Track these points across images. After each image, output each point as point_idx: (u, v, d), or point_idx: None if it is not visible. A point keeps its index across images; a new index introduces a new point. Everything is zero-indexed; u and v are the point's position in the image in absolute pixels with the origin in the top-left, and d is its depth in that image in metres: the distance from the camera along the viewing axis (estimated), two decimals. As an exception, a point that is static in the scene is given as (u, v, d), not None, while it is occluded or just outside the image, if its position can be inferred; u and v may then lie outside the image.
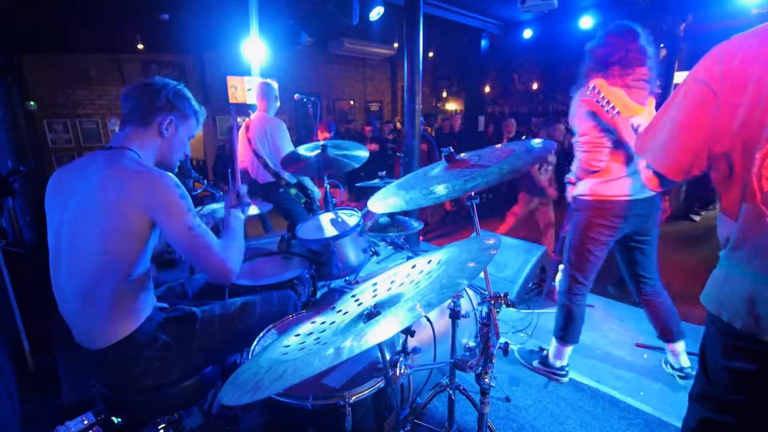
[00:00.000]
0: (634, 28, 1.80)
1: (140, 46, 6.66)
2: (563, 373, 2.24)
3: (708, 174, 0.96)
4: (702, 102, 0.88)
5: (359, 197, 6.55)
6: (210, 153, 8.22)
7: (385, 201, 1.33)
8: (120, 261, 1.21)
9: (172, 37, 6.50)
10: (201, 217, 1.37)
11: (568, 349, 2.22)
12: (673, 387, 2.18)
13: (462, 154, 1.41)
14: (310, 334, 1.00)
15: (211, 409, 1.74)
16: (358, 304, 1.05)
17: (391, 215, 2.22)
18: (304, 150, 2.42)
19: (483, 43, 8.60)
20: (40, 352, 2.53)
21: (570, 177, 2.07)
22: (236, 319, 1.48)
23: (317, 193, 3.48)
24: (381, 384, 1.20)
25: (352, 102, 10.74)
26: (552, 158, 4.25)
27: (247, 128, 3.33)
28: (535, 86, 10.65)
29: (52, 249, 1.27)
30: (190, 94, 1.43)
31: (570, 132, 2.58)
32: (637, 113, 1.47)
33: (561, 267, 2.33)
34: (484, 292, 1.20)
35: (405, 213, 2.05)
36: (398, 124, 8.37)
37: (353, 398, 1.14)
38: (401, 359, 1.05)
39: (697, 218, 5.84)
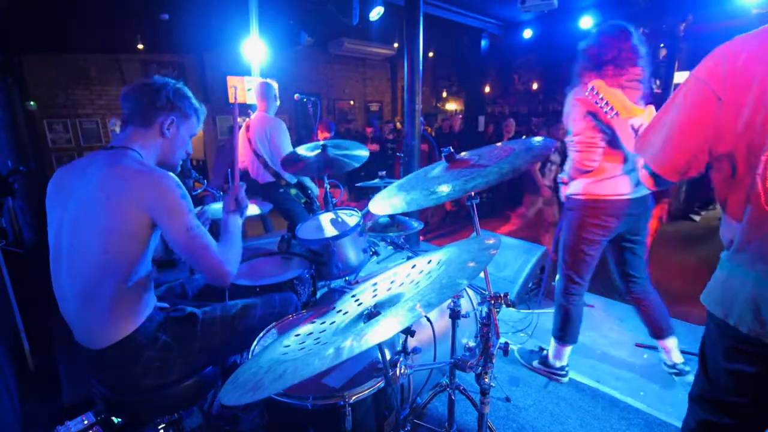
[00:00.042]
0: (627, 28, 1.80)
1: (140, 46, 6.66)
2: (563, 373, 2.24)
3: (707, 174, 0.96)
4: (702, 103, 0.88)
5: (359, 197, 6.54)
6: (210, 153, 8.22)
7: (386, 202, 1.32)
8: (120, 261, 1.21)
9: (172, 37, 6.50)
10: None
11: (567, 349, 2.22)
12: (673, 387, 2.18)
13: (463, 153, 1.41)
14: (310, 334, 1.00)
15: (211, 409, 1.74)
16: (358, 304, 1.05)
17: (391, 215, 2.22)
18: (304, 150, 2.42)
19: (483, 43, 8.60)
20: (40, 352, 2.53)
21: (563, 177, 2.08)
22: (237, 321, 1.48)
23: (316, 190, 3.48)
24: (381, 384, 1.20)
25: (352, 102, 10.74)
26: (555, 158, 4.25)
27: (248, 128, 3.33)
28: (535, 86, 10.63)
29: (52, 249, 1.27)
30: (190, 93, 1.42)
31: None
32: (635, 115, 1.47)
33: None
34: (484, 292, 1.20)
35: (405, 213, 2.05)
36: (398, 124, 8.37)
37: (353, 398, 1.13)
38: (401, 359, 1.05)
39: (697, 218, 5.84)
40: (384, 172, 2.59)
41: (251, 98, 3.76)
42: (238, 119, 1.93)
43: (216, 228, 1.57)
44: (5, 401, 1.84)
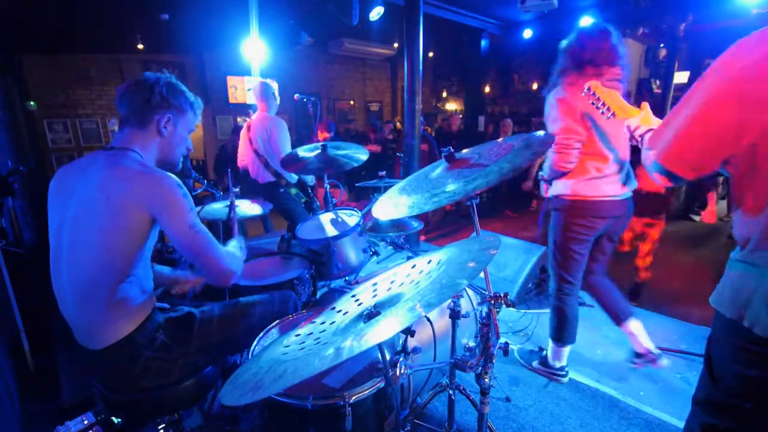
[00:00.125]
0: (606, 28, 1.82)
1: (140, 46, 6.67)
2: (563, 373, 2.24)
3: (706, 174, 0.95)
4: (719, 97, 0.85)
5: (359, 197, 6.55)
6: (210, 153, 8.22)
7: (389, 207, 1.30)
8: (120, 261, 1.21)
9: (172, 37, 6.51)
10: None
11: (566, 350, 2.22)
12: (673, 387, 2.18)
13: (464, 150, 1.41)
14: (310, 334, 1.00)
15: (211, 409, 1.74)
16: (358, 304, 1.05)
17: (391, 215, 2.21)
18: (303, 152, 2.42)
19: (483, 43, 8.61)
20: (40, 352, 2.53)
21: (543, 175, 2.09)
22: (236, 320, 1.48)
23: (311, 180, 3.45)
24: (381, 384, 1.20)
25: (352, 102, 10.74)
26: None
27: (249, 128, 3.34)
28: (535, 86, 10.63)
29: (52, 249, 1.27)
30: (183, 87, 1.40)
31: None
32: (632, 115, 1.47)
33: None
34: (484, 292, 1.20)
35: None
36: (398, 124, 8.38)
37: (353, 398, 1.14)
38: (401, 359, 1.05)
39: (697, 218, 5.83)
40: (384, 172, 2.59)
41: (251, 98, 3.77)
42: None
43: (215, 229, 1.58)
44: (5, 401, 1.84)
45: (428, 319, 1.64)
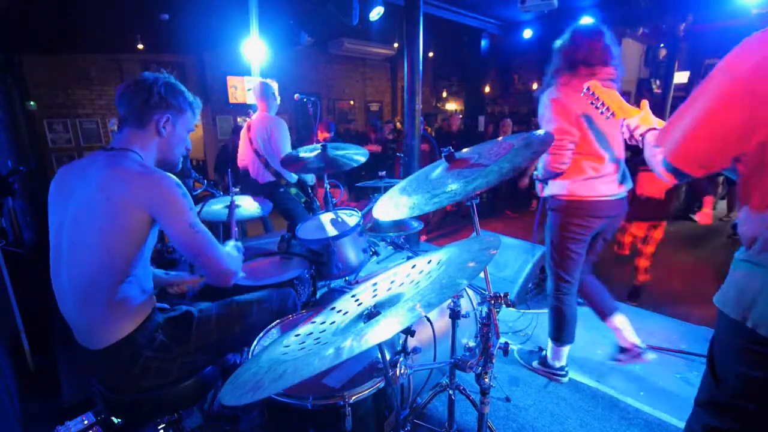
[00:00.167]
0: (599, 28, 1.83)
1: (140, 46, 6.67)
2: (563, 373, 2.24)
3: (715, 171, 0.94)
4: (727, 96, 0.85)
5: (359, 197, 6.55)
6: (210, 153, 8.22)
7: (390, 209, 1.30)
8: (120, 261, 1.21)
9: (172, 37, 6.51)
10: None
11: (565, 350, 2.22)
12: (674, 387, 2.18)
13: (464, 150, 1.42)
14: (310, 334, 1.00)
15: (211, 409, 1.74)
16: (358, 304, 1.05)
17: (391, 215, 2.21)
18: (303, 152, 2.42)
19: (483, 43, 8.61)
20: (40, 352, 2.53)
21: (537, 174, 2.09)
22: (235, 319, 1.48)
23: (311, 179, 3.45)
24: (381, 384, 1.20)
25: (352, 102, 10.74)
26: None
27: (249, 128, 3.34)
28: (535, 86, 10.62)
29: (52, 249, 1.27)
30: (182, 87, 1.40)
31: None
32: (631, 115, 1.47)
33: None
34: (484, 292, 1.20)
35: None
36: (398, 124, 8.37)
37: (353, 398, 1.13)
38: (401, 359, 1.05)
39: (697, 218, 5.83)
40: (384, 172, 2.59)
41: (251, 98, 3.77)
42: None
43: (215, 229, 1.58)
44: (5, 401, 1.84)
45: (428, 319, 1.63)
